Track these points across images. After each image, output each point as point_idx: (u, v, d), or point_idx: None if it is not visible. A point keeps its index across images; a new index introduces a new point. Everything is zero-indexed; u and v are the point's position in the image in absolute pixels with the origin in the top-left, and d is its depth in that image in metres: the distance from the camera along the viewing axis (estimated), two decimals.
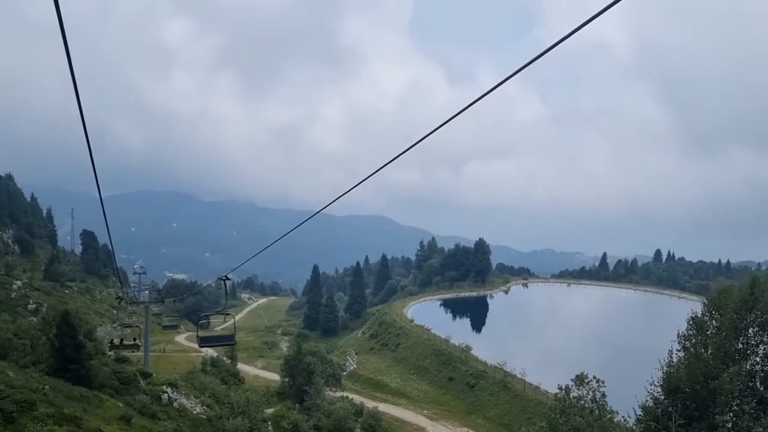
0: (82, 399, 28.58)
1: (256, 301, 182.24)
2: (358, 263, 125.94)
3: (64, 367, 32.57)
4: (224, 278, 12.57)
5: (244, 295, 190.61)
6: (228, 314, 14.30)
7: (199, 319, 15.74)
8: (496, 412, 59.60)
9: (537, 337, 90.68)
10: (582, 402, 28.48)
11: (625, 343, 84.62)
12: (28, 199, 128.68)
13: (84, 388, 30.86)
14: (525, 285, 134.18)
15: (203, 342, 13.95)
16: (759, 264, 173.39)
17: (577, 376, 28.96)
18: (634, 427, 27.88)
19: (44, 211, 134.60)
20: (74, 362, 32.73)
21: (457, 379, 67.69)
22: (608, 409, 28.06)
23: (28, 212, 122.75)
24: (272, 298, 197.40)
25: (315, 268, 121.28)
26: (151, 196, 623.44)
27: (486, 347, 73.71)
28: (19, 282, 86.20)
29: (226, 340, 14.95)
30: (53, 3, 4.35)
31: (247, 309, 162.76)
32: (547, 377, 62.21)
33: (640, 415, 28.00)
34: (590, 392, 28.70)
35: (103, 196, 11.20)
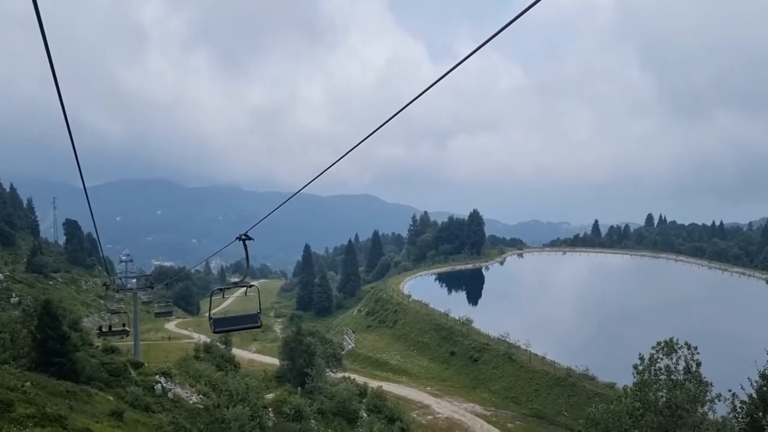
0: (68, 395, 26.22)
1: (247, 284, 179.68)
2: (350, 241, 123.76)
3: (47, 361, 30.12)
4: (244, 237, 9.09)
5: (234, 279, 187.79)
6: (251, 285, 10.37)
7: (211, 294, 11.58)
8: (501, 385, 58.22)
9: (538, 307, 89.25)
10: (672, 375, 24.15)
11: (637, 308, 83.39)
12: (7, 190, 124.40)
13: (70, 383, 28.47)
14: (520, 255, 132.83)
15: (218, 326, 11.07)
16: (750, 224, 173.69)
17: (665, 342, 24.42)
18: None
19: (24, 202, 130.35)
20: (58, 355, 30.27)
21: (460, 354, 66.19)
22: (705, 381, 23.78)
23: (8, 203, 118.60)
24: (263, 280, 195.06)
25: (306, 248, 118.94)
26: (134, 185, 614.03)
27: (485, 319, 72.14)
28: (0, 275, 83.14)
29: (249, 322, 10.41)
30: None
31: (237, 293, 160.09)
32: (553, 347, 61.02)
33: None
34: (682, 361, 24.23)
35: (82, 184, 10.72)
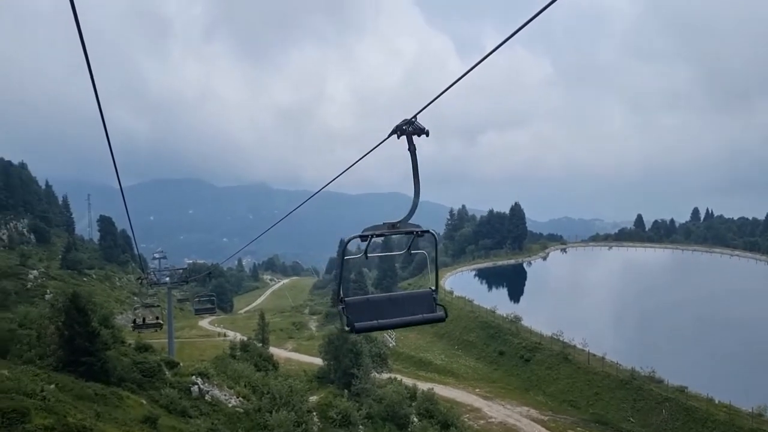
0: (97, 398, 23.34)
1: (279, 281, 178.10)
2: (384, 237, 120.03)
3: (75, 360, 27.40)
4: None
5: (266, 276, 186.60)
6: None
7: (342, 254, 8.43)
8: (557, 388, 54.15)
9: (589, 305, 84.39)
10: None
11: (699, 306, 77.53)
12: (42, 188, 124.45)
13: (99, 385, 25.67)
14: (563, 250, 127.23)
15: (358, 316, 7.58)
16: None
17: None
18: None
19: (60, 200, 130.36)
20: (87, 353, 27.53)
21: (509, 353, 62.23)
22: None
23: (43, 200, 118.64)
24: (294, 278, 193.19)
25: (341, 243, 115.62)
26: (166, 184, 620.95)
27: (532, 317, 67.99)
28: (35, 271, 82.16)
29: (419, 309, 7.75)
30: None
31: (270, 290, 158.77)
32: (612, 347, 56.68)
33: None
34: None
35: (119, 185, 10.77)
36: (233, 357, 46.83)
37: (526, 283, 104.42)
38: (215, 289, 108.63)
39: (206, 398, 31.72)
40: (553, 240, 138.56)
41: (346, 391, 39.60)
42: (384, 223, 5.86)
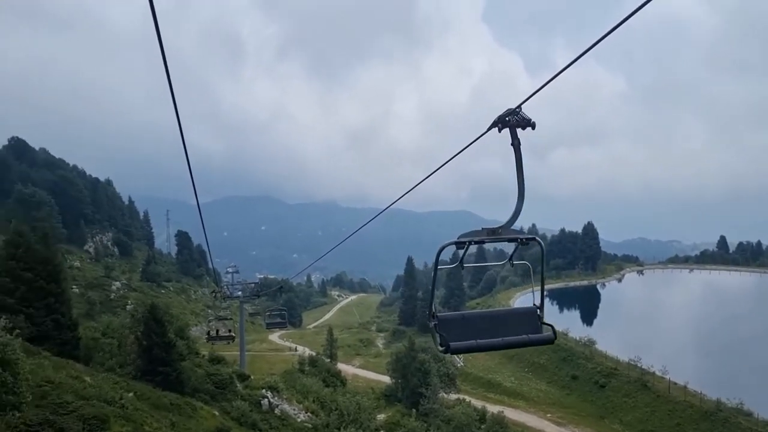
0: (173, 408, 23.90)
1: (346, 298, 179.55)
2: (455, 254, 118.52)
3: (152, 370, 28.32)
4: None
5: (334, 292, 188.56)
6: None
7: (435, 266, 8.08)
8: (635, 416, 51.30)
9: (669, 330, 79.98)
10: None
11: None
12: (126, 204, 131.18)
13: (175, 395, 26.33)
14: (640, 272, 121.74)
15: (454, 334, 7.32)
16: None
17: None
18: None
19: (141, 215, 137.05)
20: (164, 363, 28.40)
21: (583, 378, 59.66)
22: None
23: (126, 216, 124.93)
24: (362, 294, 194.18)
25: (409, 261, 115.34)
26: (240, 202, 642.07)
27: (606, 341, 65.02)
28: (117, 283, 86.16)
29: (525, 328, 7.45)
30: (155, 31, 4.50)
31: (338, 306, 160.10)
32: (694, 376, 53.24)
33: None
34: None
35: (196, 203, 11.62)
36: (302, 371, 47.27)
37: (600, 305, 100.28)
38: (285, 303, 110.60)
39: (276, 412, 31.98)
40: (629, 261, 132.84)
41: (414, 410, 39.03)
42: (483, 229, 5.27)
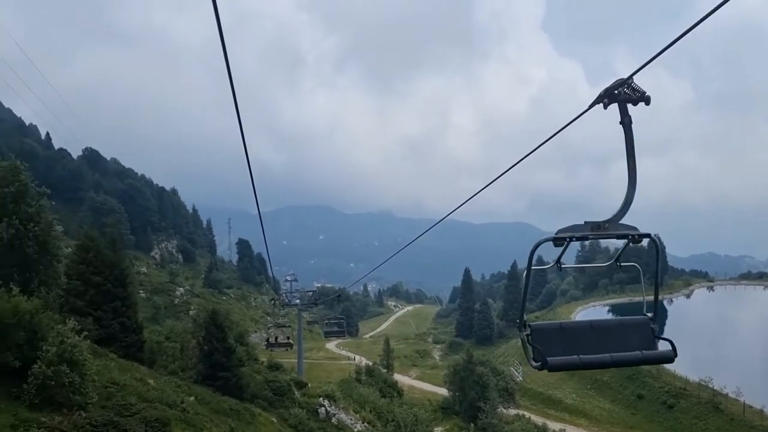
0: (232, 413, 24.09)
1: (402, 308, 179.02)
2: (513, 265, 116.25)
3: (213, 375, 28.72)
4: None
5: (391, 303, 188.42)
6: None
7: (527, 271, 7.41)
8: None
9: (743, 350, 75.40)
10: None
11: None
12: (190, 212, 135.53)
13: (234, 400, 26.59)
14: (710, 288, 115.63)
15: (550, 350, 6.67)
16: None
17: None
18: None
19: (204, 223, 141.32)
20: (224, 369, 28.76)
21: (649, 398, 56.91)
22: None
23: (190, 224, 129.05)
24: (418, 305, 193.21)
25: (466, 272, 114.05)
26: (299, 211, 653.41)
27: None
28: (181, 289, 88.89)
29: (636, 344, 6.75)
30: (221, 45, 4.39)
31: (394, 316, 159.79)
32: None
33: None
34: None
35: (257, 212, 11.76)
36: (359, 381, 47.10)
37: (667, 321, 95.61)
38: (342, 312, 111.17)
39: (333, 421, 31.86)
40: (698, 276, 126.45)
41: (472, 424, 38.15)
42: (586, 223, 4.52)
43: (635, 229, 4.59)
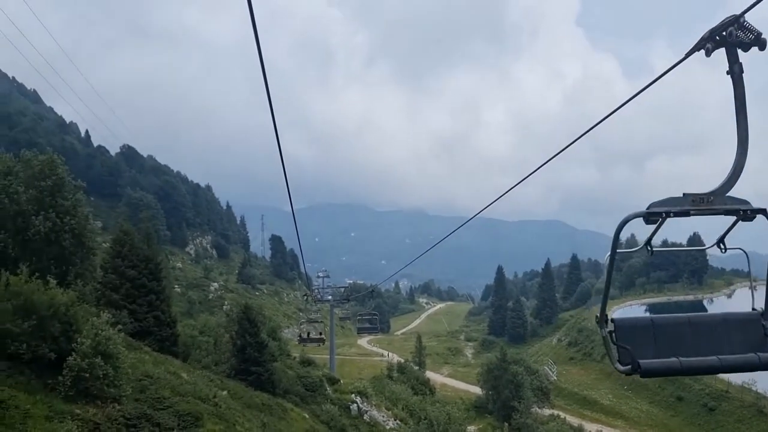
0: (264, 408, 24.03)
1: (434, 305, 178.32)
2: (547, 263, 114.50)
3: (245, 369, 28.75)
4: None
5: (422, 300, 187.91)
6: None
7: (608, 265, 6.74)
8: None
9: None
10: None
11: None
12: (224, 209, 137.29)
13: (266, 395, 26.55)
14: (754, 287, 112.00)
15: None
16: None
17: None
18: None
19: (238, 219, 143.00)
20: (256, 363, 28.76)
21: (689, 400, 55.27)
22: None
23: (224, 220, 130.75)
24: (449, 303, 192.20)
25: (499, 270, 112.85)
26: (331, 208, 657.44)
27: None
28: (215, 284, 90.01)
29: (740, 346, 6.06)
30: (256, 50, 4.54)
31: (426, 313, 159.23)
32: None
33: None
34: None
35: (289, 209, 12.11)
36: (390, 378, 46.85)
37: None
38: (374, 309, 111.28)
39: (365, 418, 31.65)
40: (739, 276, 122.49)
41: (506, 424, 37.52)
42: (685, 195, 3.72)
43: (747, 203, 3.79)
